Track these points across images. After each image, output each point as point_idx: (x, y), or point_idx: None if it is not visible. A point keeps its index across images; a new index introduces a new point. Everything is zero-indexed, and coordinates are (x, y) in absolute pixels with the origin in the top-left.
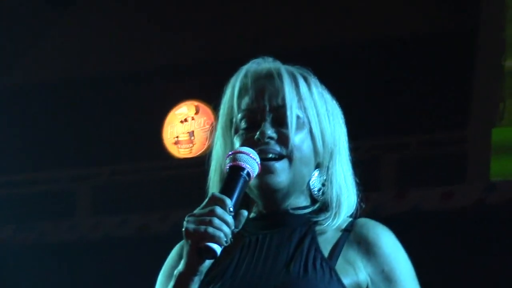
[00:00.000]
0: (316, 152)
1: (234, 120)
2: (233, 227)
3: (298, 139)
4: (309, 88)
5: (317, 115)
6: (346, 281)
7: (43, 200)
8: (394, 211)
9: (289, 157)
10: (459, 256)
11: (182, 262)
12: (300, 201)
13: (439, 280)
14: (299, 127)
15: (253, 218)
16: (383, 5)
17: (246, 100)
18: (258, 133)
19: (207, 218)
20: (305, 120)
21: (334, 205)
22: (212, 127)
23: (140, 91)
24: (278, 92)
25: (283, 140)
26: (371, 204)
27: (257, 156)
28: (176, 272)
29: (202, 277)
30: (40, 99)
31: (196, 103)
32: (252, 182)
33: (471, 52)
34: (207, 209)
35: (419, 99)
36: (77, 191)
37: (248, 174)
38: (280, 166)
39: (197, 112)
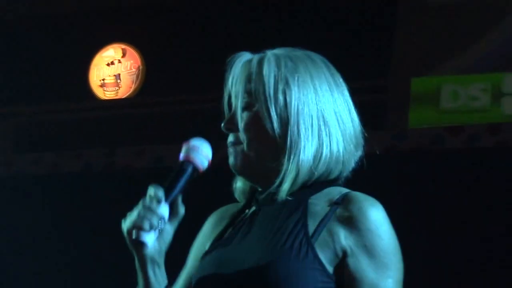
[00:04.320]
0: (268, 131)
1: None
2: (162, 216)
3: (244, 123)
4: (260, 69)
5: (263, 96)
6: (325, 254)
7: None
8: None
9: (242, 142)
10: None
11: None
12: None
13: None
14: (247, 111)
15: (260, 191)
16: None
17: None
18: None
19: (135, 211)
20: (254, 102)
21: (281, 175)
22: (139, 70)
23: (67, 33)
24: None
25: (235, 127)
26: None
27: (210, 150)
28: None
29: (161, 259)
30: None
31: (123, 46)
32: None
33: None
34: (138, 203)
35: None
36: None
37: (196, 168)
38: (235, 150)
39: (124, 55)
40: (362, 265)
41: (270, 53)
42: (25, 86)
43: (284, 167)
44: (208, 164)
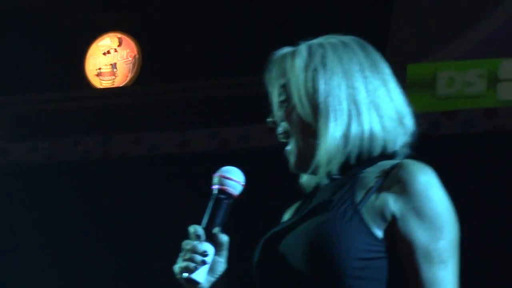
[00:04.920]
0: (303, 120)
1: None
2: (206, 251)
3: (283, 114)
4: (292, 62)
5: (295, 87)
6: (372, 218)
7: None
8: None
9: (289, 133)
10: None
11: None
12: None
13: None
14: (284, 104)
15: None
16: None
17: None
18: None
19: (181, 254)
20: (288, 95)
21: (315, 162)
22: (135, 59)
23: (63, 22)
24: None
25: (277, 121)
26: None
27: (241, 176)
28: None
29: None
30: None
31: (119, 35)
32: None
33: None
34: (182, 245)
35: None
36: None
37: (231, 195)
38: (288, 148)
39: (120, 44)
40: (412, 227)
41: (303, 45)
42: (21, 75)
43: (317, 152)
44: (243, 188)
